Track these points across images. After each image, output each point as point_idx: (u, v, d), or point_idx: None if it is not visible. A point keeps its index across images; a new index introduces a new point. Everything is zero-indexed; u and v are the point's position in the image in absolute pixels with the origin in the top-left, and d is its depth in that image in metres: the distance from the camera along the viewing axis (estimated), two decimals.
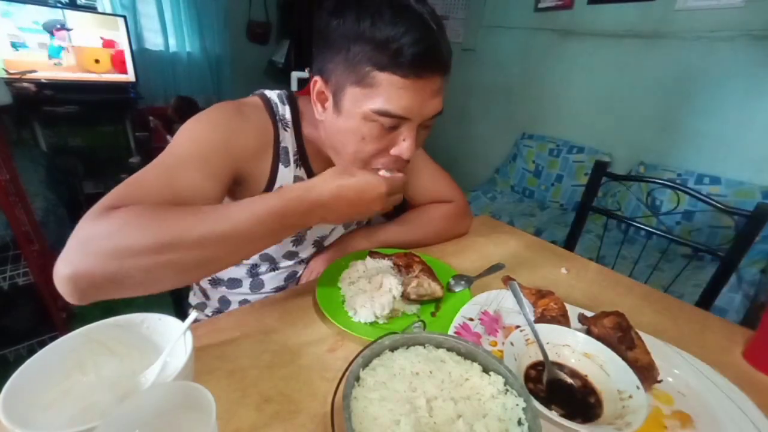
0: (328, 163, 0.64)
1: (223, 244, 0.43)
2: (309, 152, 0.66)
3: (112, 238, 0.39)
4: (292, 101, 0.65)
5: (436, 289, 0.59)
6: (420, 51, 0.46)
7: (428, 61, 0.48)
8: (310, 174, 0.67)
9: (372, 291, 0.57)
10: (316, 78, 0.54)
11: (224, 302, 0.77)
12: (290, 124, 0.64)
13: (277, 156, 0.62)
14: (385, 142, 0.53)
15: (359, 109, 0.50)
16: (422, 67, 0.47)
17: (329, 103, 0.54)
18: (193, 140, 0.52)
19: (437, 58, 0.49)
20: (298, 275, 0.76)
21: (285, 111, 0.64)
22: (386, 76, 0.47)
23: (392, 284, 0.58)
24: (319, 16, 0.52)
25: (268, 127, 0.61)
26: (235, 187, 0.60)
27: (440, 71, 0.50)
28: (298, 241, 0.72)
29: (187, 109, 2.37)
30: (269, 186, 0.63)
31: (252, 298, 0.76)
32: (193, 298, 0.82)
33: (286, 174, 0.64)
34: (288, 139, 0.63)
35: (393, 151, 0.54)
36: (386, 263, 0.66)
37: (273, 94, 0.64)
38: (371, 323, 0.54)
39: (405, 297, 0.58)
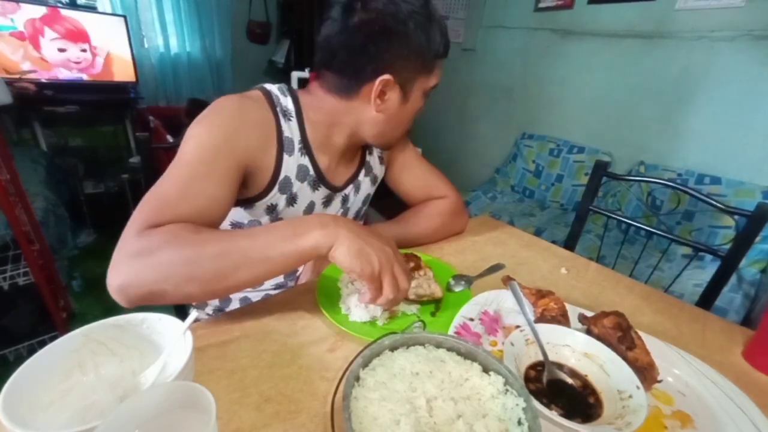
0: (332, 150, 0.70)
1: (242, 264, 0.48)
2: (312, 140, 0.68)
3: (152, 257, 0.45)
4: (292, 93, 0.67)
5: (436, 290, 0.59)
6: (448, 43, 0.65)
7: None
8: (314, 162, 0.69)
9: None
10: (386, 77, 0.60)
11: (225, 299, 0.77)
12: (293, 114, 0.66)
13: (281, 146, 0.64)
14: None
15: (421, 90, 0.65)
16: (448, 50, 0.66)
17: (392, 97, 0.63)
18: (199, 147, 0.55)
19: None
20: (298, 273, 0.76)
21: (287, 102, 0.66)
22: (440, 60, 0.65)
23: None
24: (373, 21, 0.58)
25: (269, 118, 0.63)
26: (246, 180, 0.62)
27: None
28: None
29: (199, 112, 2.37)
30: (275, 175, 0.65)
31: (252, 295, 0.76)
32: None
33: (290, 163, 0.66)
34: (291, 129, 0.66)
35: (416, 115, 0.71)
36: None
37: (273, 87, 0.67)
38: (371, 323, 0.54)
39: (405, 297, 0.58)
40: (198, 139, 0.56)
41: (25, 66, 2.07)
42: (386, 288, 0.50)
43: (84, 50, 2.21)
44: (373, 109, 0.64)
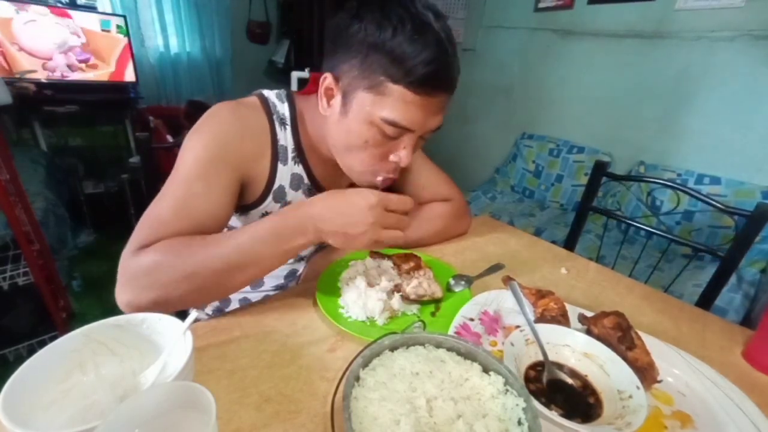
0: (327, 160, 0.67)
1: (234, 268, 0.50)
2: (307, 149, 0.67)
3: (150, 275, 0.48)
4: (290, 99, 0.66)
5: (436, 290, 0.59)
6: (432, 71, 0.49)
7: (438, 82, 0.51)
8: (309, 170, 0.68)
9: (366, 290, 0.57)
10: (327, 74, 0.56)
11: (224, 300, 0.77)
12: (288, 121, 0.65)
13: (276, 154, 0.63)
14: (385, 148, 0.56)
15: (367, 114, 0.53)
16: (432, 86, 0.50)
17: (336, 101, 0.56)
18: (195, 159, 0.55)
19: (447, 79, 0.52)
20: (299, 274, 0.76)
21: (284, 109, 0.65)
22: (398, 88, 0.50)
23: (386, 285, 0.58)
24: (340, 16, 0.54)
25: (264, 126, 0.62)
26: (242, 188, 0.62)
27: (448, 91, 0.53)
28: None
29: (198, 113, 2.36)
30: (269, 185, 0.64)
31: (252, 296, 0.76)
32: None
33: (284, 171, 0.65)
34: (286, 137, 0.64)
35: (392, 158, 0.57)
36: (386, 263, 0.66)
37: (271, 94, 0.65)
38: (371, 323, 0.54)
39: (405, 298, 0.58)
40: (194, 153, 0.55)
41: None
42: (391, 238, 0.51)
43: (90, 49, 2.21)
44: (322, 112, 0.59)
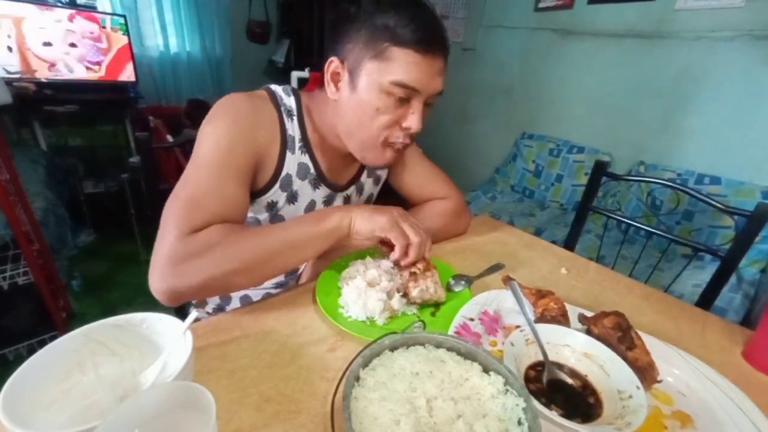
0: (332, 151, 0.70)
1: (278, 253, 0.55)
2: (313, 141, 0.69)
3: (200, 259, 0.50)
4: (296, 94, 0.69)
5: (441, 295, 0.59)
6: (431, 32, 0.56)
7: (436, 42, 0.57)
8: (315, 160, 0.70)
9: (366, 290, 0.57)
10: (332, 58, 0.60)
11: (225, 298, 0.78)
12: (295, 113, 0.67)
13: (285, 143, 0.66)
14: (395, 115, 0.60)
15: (376, 82, 0.57)
16: (432, 45, 0.56)
17: (343, 82, 0.60)
18: (216, 146, 0.58)
19: (442, 41, 0.58)
20: (299, 272, 0.76)
21: (290, 102, 0.68)
22: (403, 51, 0.55)
23: (386, 285, 0.58)
24: (339, 8, 0.59)
25: (274, 116, 0.65)
26: (253, 175, 0.64)
27: (444, 53, 0.59)
28: None
29: (198, 112, 2.37)
30: (277, 172, 0.66)
31: (253, 293, 0.76)
32: None
33: (292, 160, 0.67)
34: (293, 128, 0.67)
35: (404, 124, 0.61)
36: (386, 263, 0.65)
37: (278, 88, 0.69)
38: (371, 323, 0.54)
39: (411, 301, 0.58)
40: (215, 137, 0.58)
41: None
42: (409, 232, 0.57)
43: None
44: (331, 97, 0.63)
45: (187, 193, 0.54)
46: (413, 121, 0.60)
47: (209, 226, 0.53)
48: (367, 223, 0.57)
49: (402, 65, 0.55)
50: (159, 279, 0.49)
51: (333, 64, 0.60)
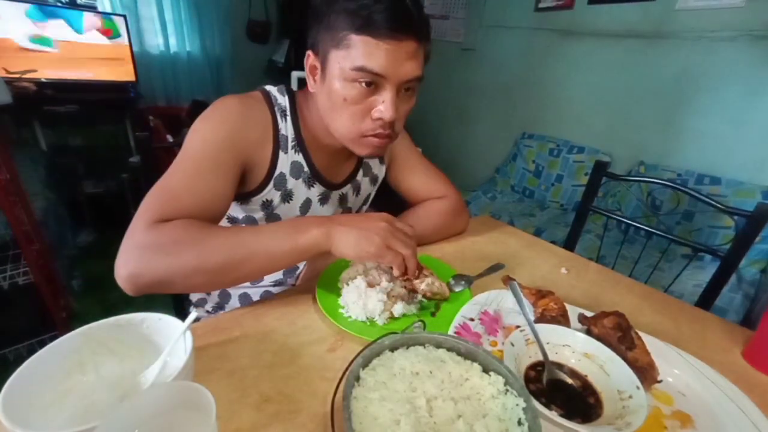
0: (326, 148, 0.70)
1: (245, 258, 0.51)
2: (306, 140, 0.69)
3: (162, 251, 0.48)
4: (290, 93, 0.69)
5: (445, 290, 0.60)
6: (390, 16, 0.52)
7: (399, 25, 0.53)
8: (308, 159, 0.70)
9: (366, 290, 0.57)
10: (308, 52, 0.60)
11: (224, 296, 0.78)
12: (288, 112, 0.68)
13: (277, 143, 0.66)
14: (364, 104, 0.58)
15: (340, 70, 0.55)
16: (394, 29, 0.52)
17: (319, 75, 0.60)
18: (203, 141, 0.58)
19: (408, 23, 0.54)
20: (299, 272, 0.76)
21: (284, 101, 0.68)
22: (361, 38, 0.53)
23: (386, 285, 0.58)
24: None
25: (267, 117, 0.65)
26: (244, 176, 0.64)
27: (412, 35, 0.54)
28: None
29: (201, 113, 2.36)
30: (270, 172, 0.66)
31: (251, 291, 0.76)
32: (194, 295, 0.83)
33: (285, 160, 0.67)
34: (286, 127, 0.67)
35: (374, 114, 0.58)
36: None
37: (273, 88, 0.69)
38: (371, 323, 0.54)
39: (421, 294, 0.59)
40: (202, 134, 0.59)
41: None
42: (400, 248, 0.54)
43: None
44: (311, 91, 0.63)
45: (164, 184, 0.55)
46: (383, 109, 0.56)
47: (179, 219, 0.52)
48: (353, 249, 0.52)
49: (362, 52, 0.53)
50: (123, 264, 0.48)
51: (309, 59, 0.61)
